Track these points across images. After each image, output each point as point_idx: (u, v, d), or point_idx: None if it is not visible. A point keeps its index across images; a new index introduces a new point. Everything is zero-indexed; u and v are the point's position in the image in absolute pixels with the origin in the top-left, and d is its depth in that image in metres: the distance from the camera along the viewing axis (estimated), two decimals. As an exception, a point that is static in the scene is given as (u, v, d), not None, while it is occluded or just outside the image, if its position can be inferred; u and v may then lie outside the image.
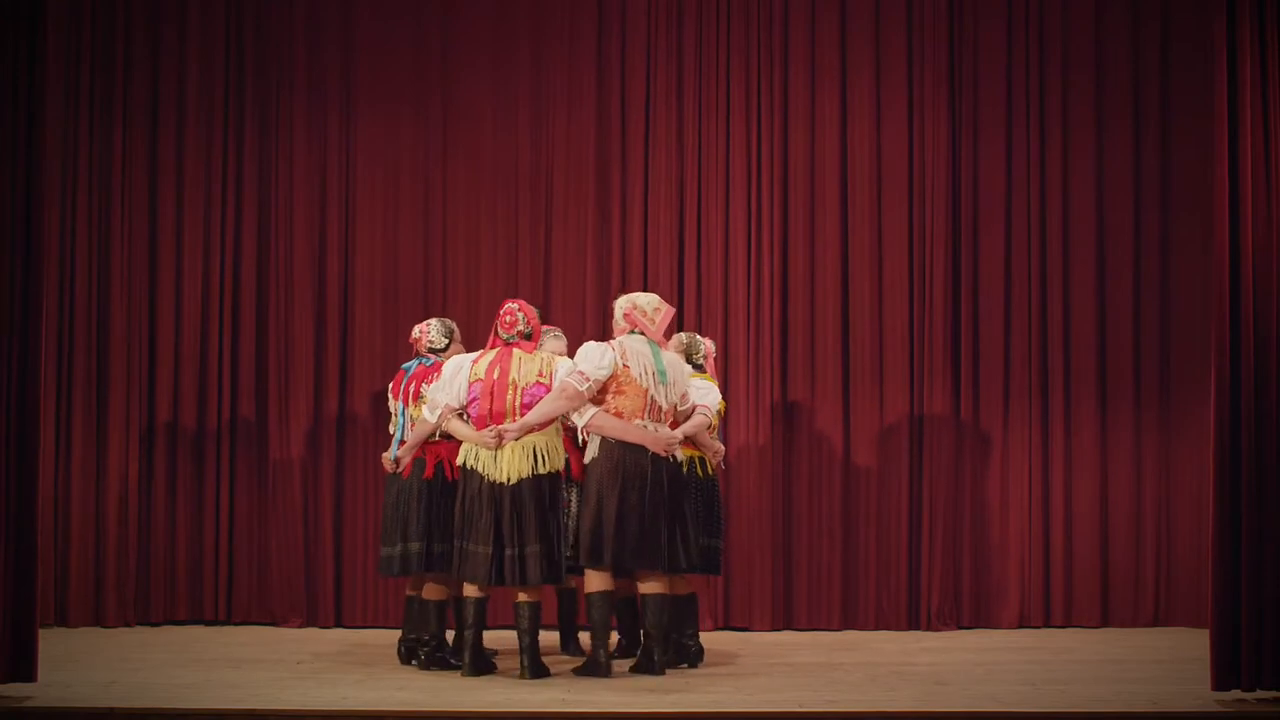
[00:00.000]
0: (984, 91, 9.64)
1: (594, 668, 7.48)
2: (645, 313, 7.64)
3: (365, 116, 9.68)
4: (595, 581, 7.50)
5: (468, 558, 7.45)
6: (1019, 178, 9.65)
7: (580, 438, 7.60)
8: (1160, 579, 9.55)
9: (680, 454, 7.61)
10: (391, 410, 8.07)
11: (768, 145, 9.62)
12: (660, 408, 7.50)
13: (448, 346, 8.03)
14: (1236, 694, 6.83)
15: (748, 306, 9.55)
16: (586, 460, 7.61)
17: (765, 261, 9.56)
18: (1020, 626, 9.45)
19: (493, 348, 7.62)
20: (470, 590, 7.48)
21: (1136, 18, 9.66)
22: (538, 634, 7.49)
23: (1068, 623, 9.49)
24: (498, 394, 7.47)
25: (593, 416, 7.43)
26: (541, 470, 7.43)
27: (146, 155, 9.59)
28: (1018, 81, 9.65)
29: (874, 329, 9.56)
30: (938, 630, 9.33)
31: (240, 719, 6.61)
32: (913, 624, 9.41)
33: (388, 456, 7.97)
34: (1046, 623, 9.50)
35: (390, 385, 8.17)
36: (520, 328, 7.59)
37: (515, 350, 7.57)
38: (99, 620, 9.30)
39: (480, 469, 7.44)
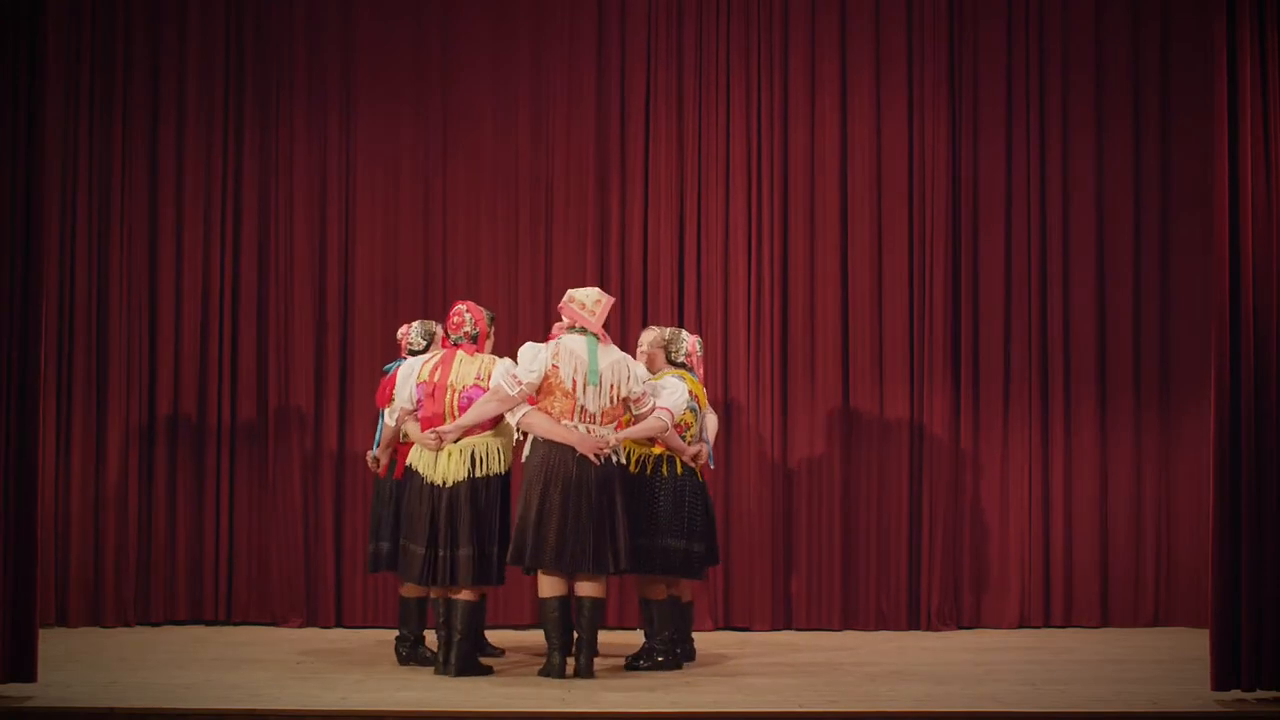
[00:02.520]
0: (984, 91, 9.64)
1: (549, 669, 7.45)
2: (584, 305, 7.61)
3: (365, 116, 9.68)
4: (545, 587, 7.47)
5: (406, 556, 7.57)
6: (1019, 178, 9.65)
7: (515, 436, 7.64)
8: (1160, 579, 9.54)
9: (620, 455, 7.55)
10: None
11: (768, 145, 9.62)
12: (589, 411, 7.46)
13: (427, 348, 8.08)
14: (1236, 694, 6.83)
15: (748, 306, 9.54)
16: (524, 458, 7.67)
17: (765, 261, 9.56)
18: (1020, 626, 9.44)
19: (444, 348, 7.71)
20: (435, 590, 7.57)
21: (1136, 18, 9.66)
22: (470, 632, 7.53)
23: (1068, 623, 9.49)
24: (437, 396, 7.56)
25: (524, 415, 7.45)
26: (479, 474, 7.48)
27: (146, 155, 9.59)
28: (1018, 81, 9.65)
29: (874, 329, 9.56)
30: (938, 630, 9.33)
31: (240, 719, 6.61)
32: (913, 624, 9.41)
33: (371, 455, 8.16)
34: (1046, 623, 9.49)
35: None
36: (467, 329, 7.66)
37: (459, 352, 7.64)
38: (99, 620, 9.29)
39: (421, 470, 7.53)
